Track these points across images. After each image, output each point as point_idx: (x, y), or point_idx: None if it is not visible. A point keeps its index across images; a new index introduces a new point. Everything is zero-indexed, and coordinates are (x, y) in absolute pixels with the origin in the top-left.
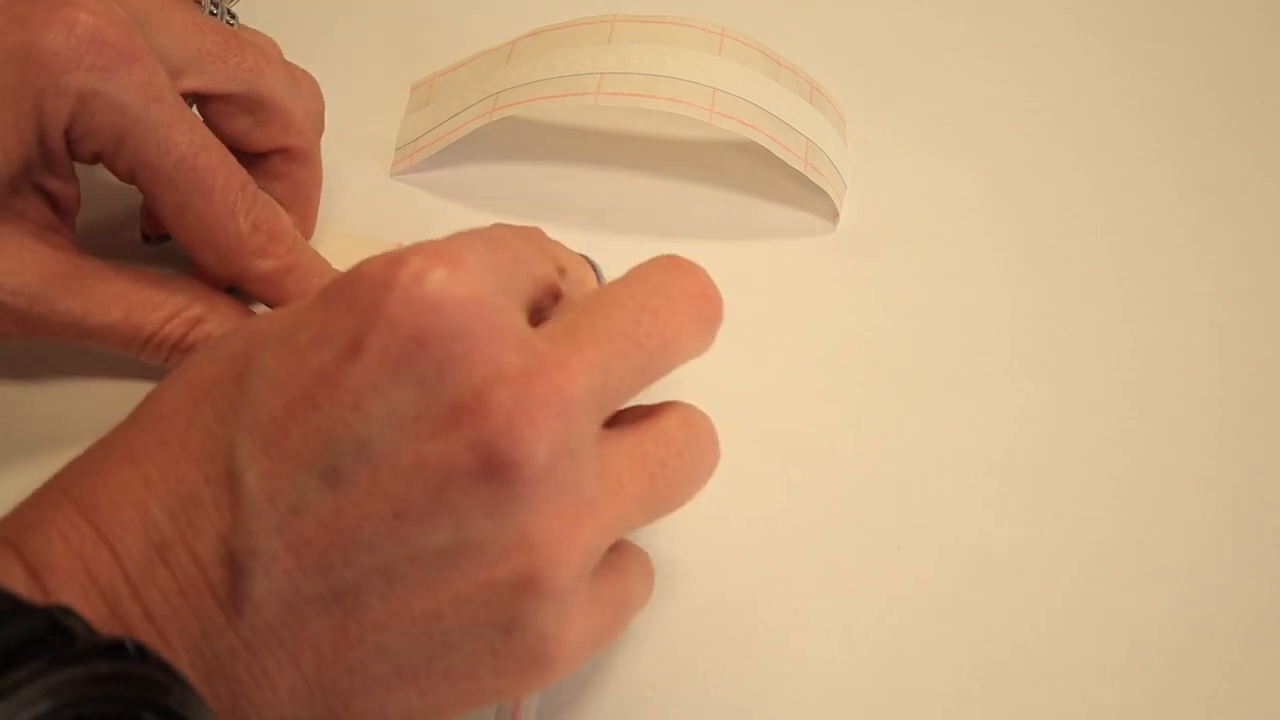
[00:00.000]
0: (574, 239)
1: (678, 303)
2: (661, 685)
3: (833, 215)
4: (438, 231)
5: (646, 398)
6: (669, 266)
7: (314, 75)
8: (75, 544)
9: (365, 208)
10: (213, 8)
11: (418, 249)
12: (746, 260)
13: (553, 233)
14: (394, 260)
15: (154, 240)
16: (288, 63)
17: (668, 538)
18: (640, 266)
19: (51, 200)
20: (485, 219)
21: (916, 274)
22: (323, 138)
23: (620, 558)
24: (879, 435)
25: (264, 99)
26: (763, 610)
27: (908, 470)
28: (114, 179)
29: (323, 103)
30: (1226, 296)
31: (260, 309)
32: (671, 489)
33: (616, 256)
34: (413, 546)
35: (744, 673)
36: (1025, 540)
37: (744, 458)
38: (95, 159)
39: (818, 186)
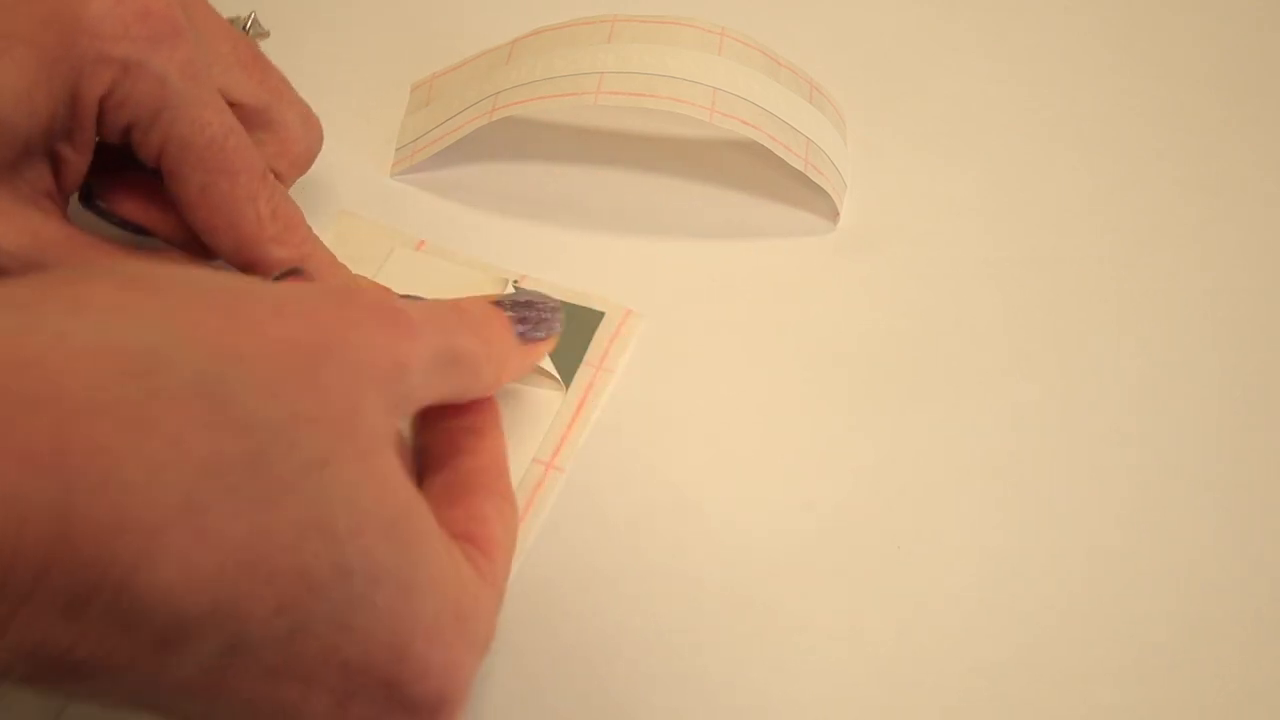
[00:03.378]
0: (575, 239)
1: None
2: (663, 685)
3: (833, 215)
4: (438, 231)
5: (634, 412)
6: None
7: (314, 74)
8: None
9: (365, 208)
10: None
11: None
12: (746, 260)
13: (553, 232)
14: None
15: (93, 207)
16: (303, 100)
17: (668, 539)
18: None
19: (58, 169)
20: (485, 219)
21: (916, 274)
22: (324, 138)
23: None
24: (878, 434)
25: (274, 122)
26: (763, 610)
27: (907, 469)
28: None
29: (319, 148)
30: (1226, 296)
31: None
32: None
33: (617, 256)
34: None
35: (744, 673)
36: (1025, 539)
37: (743, 457)
38: (125, 133)
39: (818, 186)
